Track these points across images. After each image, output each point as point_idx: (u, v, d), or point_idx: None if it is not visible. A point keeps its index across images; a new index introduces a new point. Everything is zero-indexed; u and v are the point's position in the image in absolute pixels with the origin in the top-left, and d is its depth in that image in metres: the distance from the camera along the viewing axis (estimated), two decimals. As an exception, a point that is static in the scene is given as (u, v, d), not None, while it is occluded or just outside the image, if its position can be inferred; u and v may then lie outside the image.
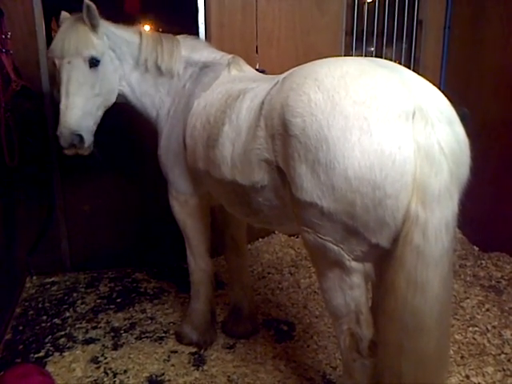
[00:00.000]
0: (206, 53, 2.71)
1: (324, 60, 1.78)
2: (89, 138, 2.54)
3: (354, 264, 1.67)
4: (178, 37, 2.77)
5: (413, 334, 1.56)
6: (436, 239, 1.50)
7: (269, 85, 1.99)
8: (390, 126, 1.47)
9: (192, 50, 2.72)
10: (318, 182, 1.57)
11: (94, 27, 2.53)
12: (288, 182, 1.73)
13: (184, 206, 2.71)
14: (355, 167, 1.48)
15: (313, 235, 1.70)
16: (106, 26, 2.62)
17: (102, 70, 2.56)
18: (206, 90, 2.47)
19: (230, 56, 2.64)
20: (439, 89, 1.67)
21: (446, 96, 1.66)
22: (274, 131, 1.77)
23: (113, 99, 2.70)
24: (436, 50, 4.48)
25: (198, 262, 2.83)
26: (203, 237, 2.81)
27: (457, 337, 2.90)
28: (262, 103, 1.90)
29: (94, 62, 2.51)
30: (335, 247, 1.65)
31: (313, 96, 1.60)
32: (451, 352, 2.74)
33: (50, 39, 3.72)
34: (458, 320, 3.07)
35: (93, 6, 2.48)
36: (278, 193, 1.91)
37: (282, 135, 1.72)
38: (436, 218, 1.48)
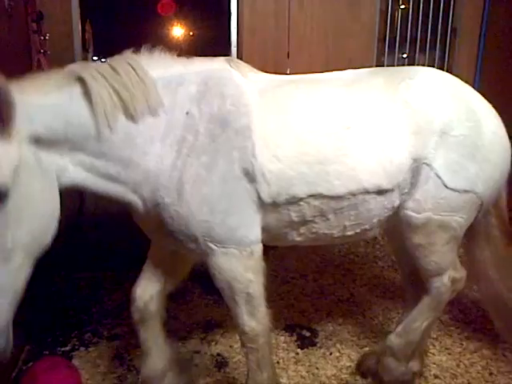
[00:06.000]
0: (180, 65, 1.97)
1: None
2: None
3: (463, 229, 2.25)
4: (129, 58, 1.85)
5: None
6: None
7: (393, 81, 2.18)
8: None
9: (165, 67, 1.93)
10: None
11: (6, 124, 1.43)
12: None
13: (249, 260, 2.00)
14: None
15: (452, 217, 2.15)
16: (25, 103, 1.51)
17: (15, 199, 1.45)
18: (252, 103, 1.95)
19: (221, 60, 2.07)
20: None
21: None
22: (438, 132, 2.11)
23: (52, 227, 1.64)
24: (470, 58, 4.42)
25: (262, 321, 2.10)
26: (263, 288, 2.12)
27: (485, 352, 2.83)
28: (406, 102, 2.09)
29: None
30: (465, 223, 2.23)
31: None
32: (479, 367, 2.68)
33: (83, 41, 3.83)
34: (487, 335, 2.99)
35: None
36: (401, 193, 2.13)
37: (441, 136, 2.09)
38: None
